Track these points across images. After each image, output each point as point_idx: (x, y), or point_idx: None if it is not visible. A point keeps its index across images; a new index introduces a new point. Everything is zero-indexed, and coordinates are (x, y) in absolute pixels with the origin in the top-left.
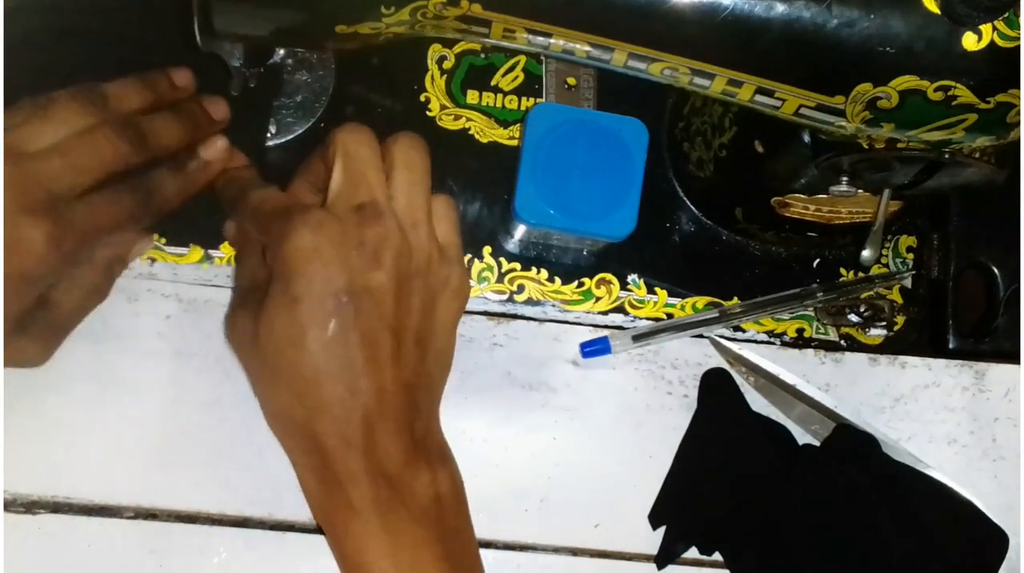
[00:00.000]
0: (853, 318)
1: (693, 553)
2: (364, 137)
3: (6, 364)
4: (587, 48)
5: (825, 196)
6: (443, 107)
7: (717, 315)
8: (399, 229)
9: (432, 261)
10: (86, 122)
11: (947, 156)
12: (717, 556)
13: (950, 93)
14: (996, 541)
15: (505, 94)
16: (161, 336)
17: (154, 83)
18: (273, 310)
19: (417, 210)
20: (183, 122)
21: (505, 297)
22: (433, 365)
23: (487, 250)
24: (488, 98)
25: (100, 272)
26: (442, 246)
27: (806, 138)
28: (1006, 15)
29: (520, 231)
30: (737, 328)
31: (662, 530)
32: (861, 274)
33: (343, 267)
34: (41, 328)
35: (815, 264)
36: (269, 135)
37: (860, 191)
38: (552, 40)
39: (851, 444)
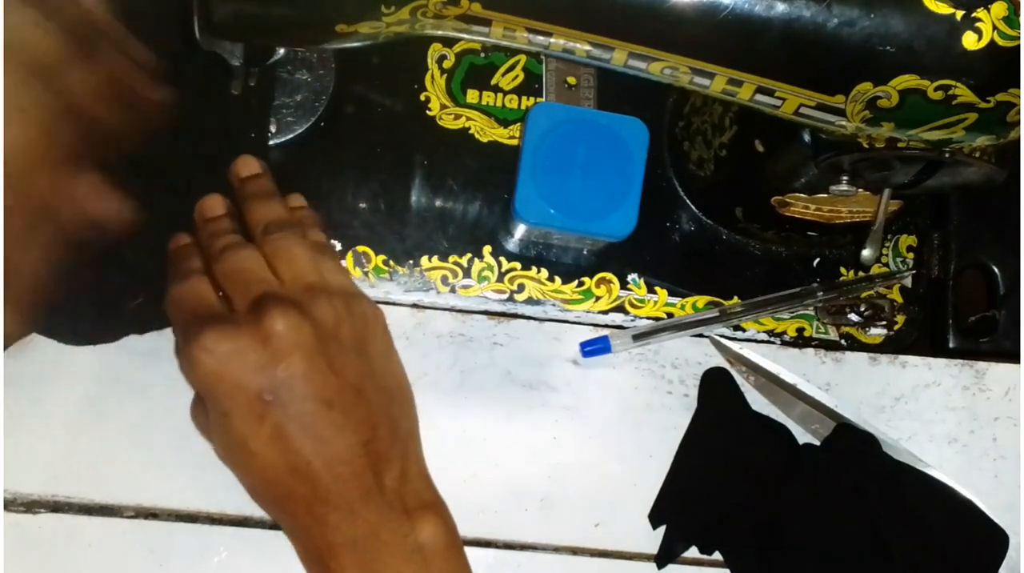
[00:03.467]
0: (853, 317)
1: (693, 552)
2: (221, 229)
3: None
4: (587, 47)
5: (825, 195)
6: (443, 106)
7: (717, 314)
8: (294, 307)
9: (339, 312)
10: None
11: (947, 155)
12: (717, 555)
13: (950, 92)
14: (996, 540)
15: (505, 93)
16: (161, 335)
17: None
18: (214, 426)
19: (304, 275)
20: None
21: (505, 296)
22: (389, 408)
23: (487, 249)
24: (488, 97)
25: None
26: (339, 290)
27: (806, 137)
28: (1006, 14)
29: (520, 230)
30: (737, 327)
31: (662, 529)
32: (861, 273)
33: (253, 371)
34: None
35: (815, 263)
36: (269, 135)
37: (860, 190)
38: (552, 39)
39: (851, 443)
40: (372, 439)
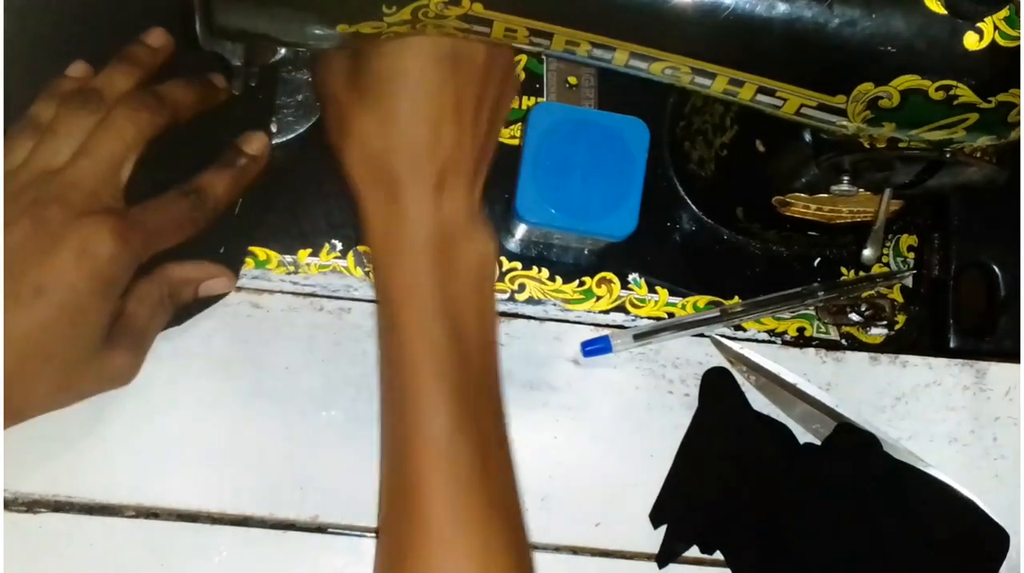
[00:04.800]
0: (854, 317)
1: (694, 552)
2: None
3: (100, 385)
4: (588, 47)
5: (826, 195)
6: None
7: (718, 314)
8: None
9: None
10: (94, 118)
11: (948, 155)
12: (718, 555)
13: (951, 92)
14: (997, 540)
15: None
16: (162, 335)
17: (133, 55)
18: (385, 49)
19: None
20: (185, 81)
21: (506, 296)
22: (493, 142)
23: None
24: None
25: (170, 289)
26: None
27: (807, 137)
28: (1007, 14)
29: (521, 230)
30: (738, 327)
31: (663, 529)
32: (862, 273)
33: (450, 37)
34: (127, 338)
35: (816, 263)
36: (271, 135)
37: (861, 190)
38: (553, 39)
39: (852, 443)
40: (482, 152)
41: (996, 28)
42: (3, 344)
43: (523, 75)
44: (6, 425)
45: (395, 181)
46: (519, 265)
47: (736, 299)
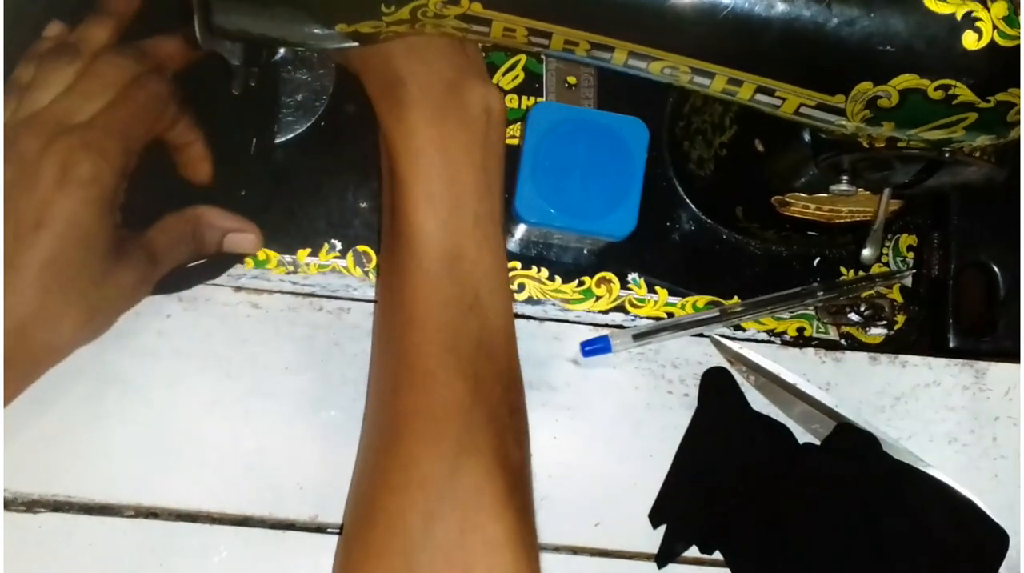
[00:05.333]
0: (853, 317)
1: (693, 552)
2: None
3: (116, 305)
4: (587, 47)
5: (825, 195)
6: None
7: (717, 314)
8: None
9: None
10: (72, 68)
11: (947, 155)
12: (717, 555)
13: (950, 92)
14: (996, 540)
15: (505, 93)
16: (161, 335)
17: (107, 6)
18: None
19: None
20: (168, 35)
21: None
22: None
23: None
24: None
25: (196, 227)
26: None
27: (806, 137)
28: (1006, 13)
29: (521, 230)
30: (737, 327)
31: (662, 529)
32: (861, 273)
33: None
34: (138, 257)
35: (815, 263)
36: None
37: (860, 190)
38: (552, 39)
39: (852, 443)
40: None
41: (995, 27)
42: (24, 285)
43: (522, 75)
44: (44, 369)
45: (389, 54)
46: (518, 265)
47: (735, 299)
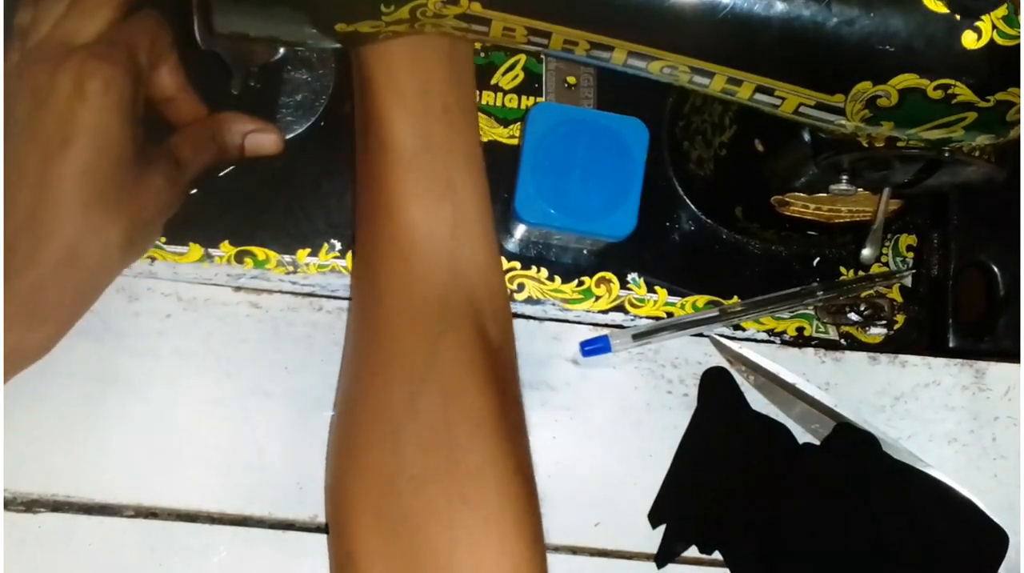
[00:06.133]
0: (853, 317)
1: (693, 552)
2: None
3: (152, 215)
4: (587, 47)
5: (825, 195)
6: None
7: (717, 314)
8: None
9: None
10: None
11: (947, 155)
12: (717, 555)
13: (950, 91)
14: (996, 540)
15: (505, 93)
16: (161, 335)
17: None
18: None
19: None
20: None
21: None
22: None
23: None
24: (488, 97)
25: (216, 129)
26: None
27: (806, 136)
28: (1005, 13)
29: (520, 231)
30: (737, 327)
31: (662, 529)
32: (861, 273)
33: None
34: (164, 162)
35: (815, 263)
36: None
37: (860, 190)
38: (552, 39)
39: (851, 443)
40: None
41: (995, 27)
42: (64, 204)
43: (522, 75)
44: (101, 288)
45: None
46: (518, 265)
47: (735, 299)
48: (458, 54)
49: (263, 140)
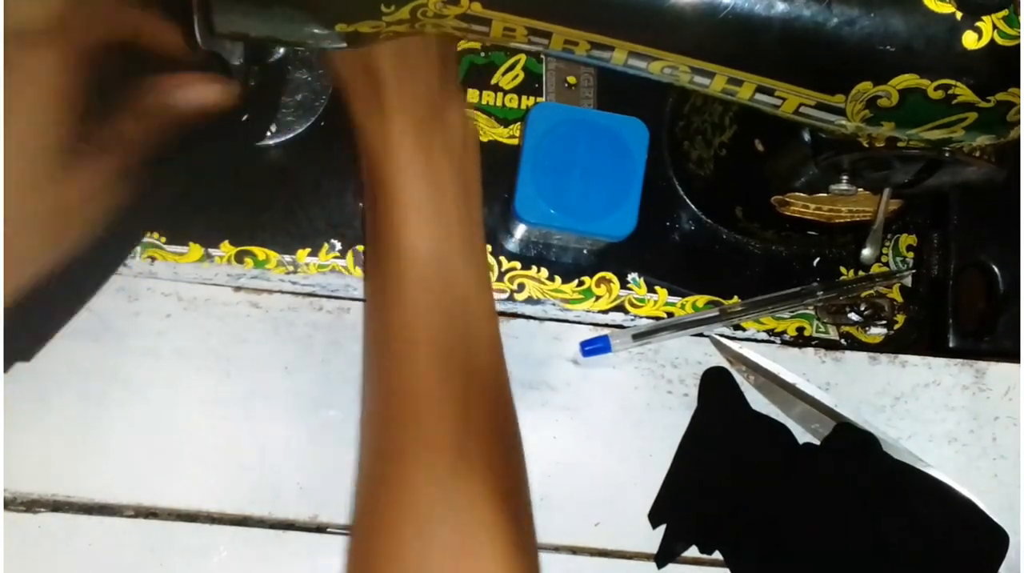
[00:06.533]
0: (853, 317)
1: (693, 552)
2: None
3: (97, 200)
4: (587, 47)
5: (825, 195)
6: None
7: (717, 314)
8: None
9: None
10: None
11: (947, 155)
12: (717, 555)
13: (950, 92)
14: (996, 540)
15: (505, 92)
16: (161, 335)
17: None
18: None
19: None
20: None
21: (505, 296)
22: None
23: (487, 249)
24: (488, 96)
25: (157, 94)
26: None
27: (806, 137)
28: (1006, 13)
29: (521, 231)
30: (737, 327)
31: (662, 529)
32: (861, 273)
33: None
34: (104, 155)
35: (815, 263)
36: (269, 134)
37: (860, 190)
38: (552, 39)
39: (851, 443)
40: (449, 47)
41: (995, 27)
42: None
43: (522, 75)
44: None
45: (374, 72)
46: (518, 264)
47: (735, 299)
48: (469, 167)
49: (204, 90)
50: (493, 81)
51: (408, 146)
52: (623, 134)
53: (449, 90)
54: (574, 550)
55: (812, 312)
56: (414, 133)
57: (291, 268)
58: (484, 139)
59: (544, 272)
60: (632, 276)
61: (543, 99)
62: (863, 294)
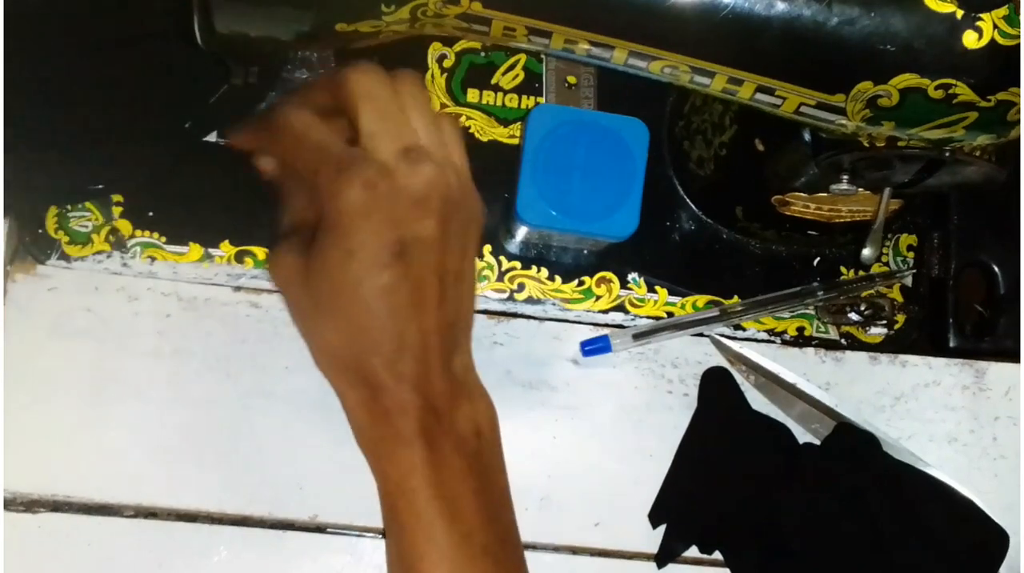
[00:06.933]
0: (853, 317)
1: (693, 552)
2: (380, 77)
3: None
4: (587, 46)
5: (825, 194)
6: (443, 105)
7: (717, 314)
8: (440, 170)
9: (464, 194)
10: None
11: (947, 154)
12: (717, 555)
13: (951, 91)
14: (996, 540)
15: (505, 92)
16: (161, 335)
17: None
18: (327, 260)
19: (443, 146)
20: None
21: (505, 296)
22: (468, 301)
23: (487, 249)
24: (488, 96)
25: None
26: (461, 174)
27: (807, 136)
28: (1006, 13)
29: (522, 232)
30: (737, 327)
31: (662, 529)
32: (862, 272)
33: (395, 221)
34: None
35: (815, 262)
36: None
37: (860, 189)
38: (552, 38)
39: (851, 443)
40: (454, 323)
41: (995, 27)
42: None
43: (522, 75)
44: None
45: (370, 384)
46: (518, 264)
47: (735, 298)
48: (492, 482)
49: None
50: (493, 81)
51: (417, 476)
52: (623, 134)
53: (454, 390)
54: (574, 550)
55: (812, 312)
56: (420, 459)
57: None
58: (484, 139)
59: (544, 272)
60: (632, 276)
61: (543, 99)
62: (863, 294)
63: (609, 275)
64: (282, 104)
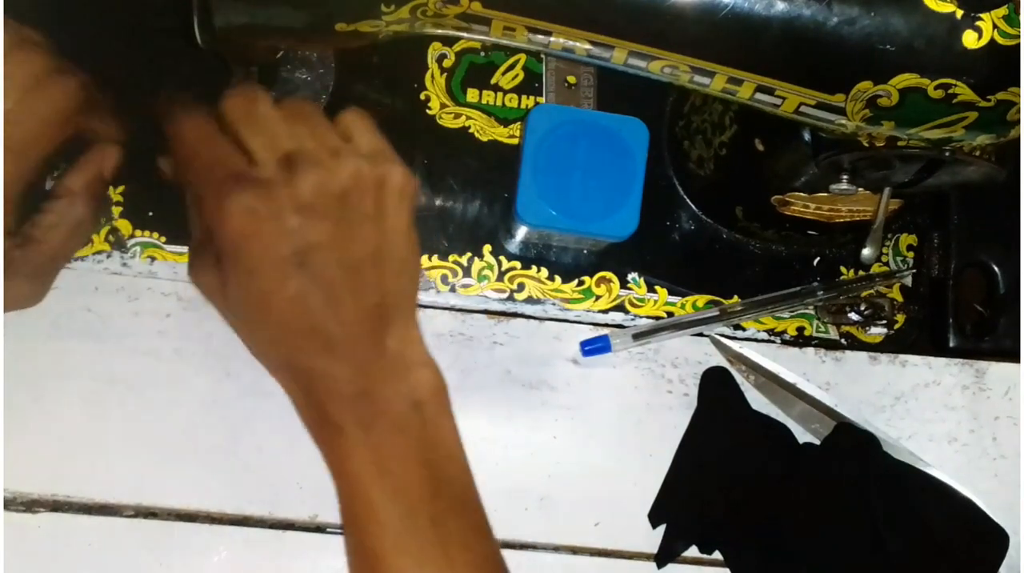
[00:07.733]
0: (853, 316)
1: (693, 552)
2: (253, 95)
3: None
4: (587, 46)
5: (825, 194)
6: (443, 105)
7: (717, 313)
8: (322, 166)
9: (363, 175)
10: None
11: (947, 154)
12: (717, 555)
13: (950, 91)
14: (996, 540)
15: (505, 92)
16: (161, 335)
17: None
18: (233, 279)
19: (328, 139)
20: None
21: (505, 295)
22: (398, 276)
23: (487, 248)
24: (488, 96)
25: (82, 201)
26: (370, 153)
27: (806, 136)
28: (1006, 13)
29: (522, 232)
30: (737, 326)
31: (662, 529)
32: (861, 272)
33: (284, 233)
34: (29, 268)
35: (815, 262)
36: None
37: (860, 189)
38: (552, 38)
39: (851, 443)
40: (380, 304)
41: (995, 27)
42: None
43: (522, 75)
44: None
45: (301, 378)
46: (518, 264)
47: (735, 298)
48: (438, 450)
49: (108, 154)
50: (493, 81)
51: (356, 460)
52: (623, 134)
53: (384, 368)
54: (574, 550)
55: (812, 312)
56: (359, 442)
57: None
58: (484, 139)
59: (544, 272)
60: (632, 276)
61: (543, 99)
62: (863, 294)
63: (609, 275)
64: (186, 108)
